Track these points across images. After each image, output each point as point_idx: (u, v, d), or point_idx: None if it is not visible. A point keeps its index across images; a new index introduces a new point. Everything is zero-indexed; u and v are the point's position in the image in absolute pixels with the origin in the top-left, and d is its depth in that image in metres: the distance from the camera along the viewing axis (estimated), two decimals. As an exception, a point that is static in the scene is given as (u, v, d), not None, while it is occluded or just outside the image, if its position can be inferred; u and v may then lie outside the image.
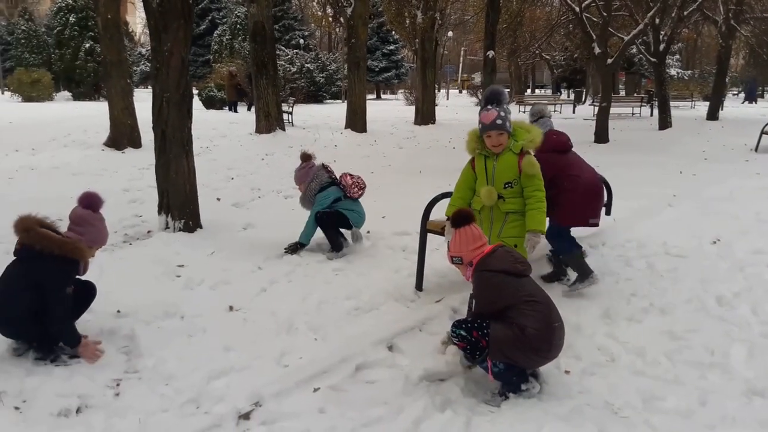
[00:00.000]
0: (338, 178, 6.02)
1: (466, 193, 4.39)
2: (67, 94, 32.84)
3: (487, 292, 3.34)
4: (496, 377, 3.34)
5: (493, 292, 3.31)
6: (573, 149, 5.16)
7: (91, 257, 3.70)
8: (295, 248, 5.74)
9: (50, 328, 3.51)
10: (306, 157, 6.04)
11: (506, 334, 3.22)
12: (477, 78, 46.40)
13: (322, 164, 6.07)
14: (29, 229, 3.48)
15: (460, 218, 3.48)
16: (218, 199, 7.99)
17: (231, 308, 4.48)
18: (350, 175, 6.04)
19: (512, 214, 4.17)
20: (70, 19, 31.73)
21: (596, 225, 5.12)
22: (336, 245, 5.79)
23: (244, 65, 26.45)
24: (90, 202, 3.68)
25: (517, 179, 4.12)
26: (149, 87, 6.19)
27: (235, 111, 23.39)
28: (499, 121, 3.98)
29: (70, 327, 3.59)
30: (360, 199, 6.04)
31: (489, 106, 4.03)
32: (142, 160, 10.32)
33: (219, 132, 15.47)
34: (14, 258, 3.58)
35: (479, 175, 4.26)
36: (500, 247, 3.45)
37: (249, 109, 23.32)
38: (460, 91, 56.39)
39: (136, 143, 12.03)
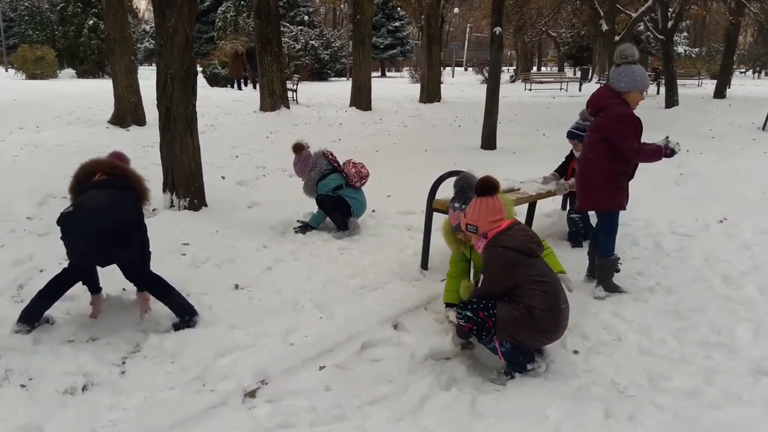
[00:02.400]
0: (341, 165, 5.95)
1: (461, 278, 3.99)
2: (71, 71, 32.68)
3: (497, 269, 3.30)
4: (505, 357, 3.34)
5: (503, 270, 3.27)
6: None
7: None
8: (304, 228, 5.73)
9: (138, 238, 3.83)
10: (299, 148, 5.98)
11: (513, 315, 3.21)
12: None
13: (322, 152, 5.99)
14: (120, 164, 3.92)
15: (485, 187, 3.38)
16: (223, 178, 7.97)
17: (236, 286, 4.49)
18: (353, 163, 5.94)
19: None
20: (73, -5, 31.48)
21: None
22: (341, 225, 5.77)
23: (246, 42, 26.26)
24: (123, 158, 4.21)
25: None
26: (153, 64, 6.16)
27: (239, 88, 23.27)
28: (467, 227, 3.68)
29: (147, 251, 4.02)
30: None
31: (456, 204, 3.76)
32: (147, 137, 10.30)
33: (223, 110, 15.41)
34: (100, 185, 3.73)
35: (465, 263, 4.01)
36: (516, 224, 3.40)
37: (255, 87, 23.19)
38: (466, 69, 55.96)
39: (141, 121, 11.99)
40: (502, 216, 3.38)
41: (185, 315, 3.82)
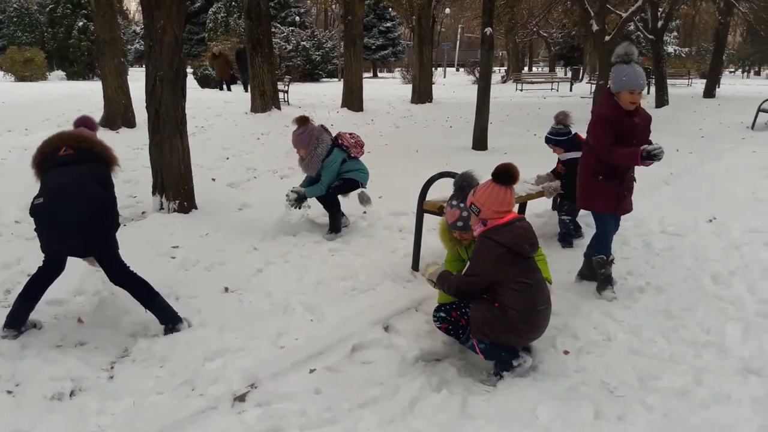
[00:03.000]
0: (336, 138, 5.85)
1: (457, 265, 3.99)
2: (60, 73, 32.52)
3: (483, 261, 3.28)
4: (485, 355, 3.34)
5: (489, 264, 3.25)
6: None
7: None
8: (300, 199, 5.69)
9: (112, 223, 3.74)
10: (304, 120, 5.79)
11: (485, 315, 3.23)
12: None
13: (321, 126, 5.87)
14: (82, 137, 3.76)
15: (502, 174, 3.30)
16: (213, 180, 7.94)
17: (226, 289, 4.47)
18: (349, 134, 5.91)
19: None
20: (63, -4, 31.34)
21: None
22: (335, 226, 5.74)
23: (231, 43, 26.19)
24: (90, 123, 4.07)
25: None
26: (144, 66, 6.14)
27: (229, 89, 23.19)
28: (459, 223, 3.66)
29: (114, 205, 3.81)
30: None
31: (454, 203, 3.72)
32: (137, 139, 10.24)
33: (214, 111, 15.34)
34: (66, 162, 3.62)
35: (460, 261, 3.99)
36: (518, 221, 3.37)
37: (245, 89, 23.12)
38: (458, 70, 56.03)
39: (131, 123, 11.92)
40: (509, 209, 3.35)
41: (169, 322, 3.75)
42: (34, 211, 3.52)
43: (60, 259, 3.72)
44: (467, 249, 3.82)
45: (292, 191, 5.70)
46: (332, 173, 5.68)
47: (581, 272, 4.76)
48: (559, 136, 5.57)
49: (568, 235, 5.61)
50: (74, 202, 3.46)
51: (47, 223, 3.52)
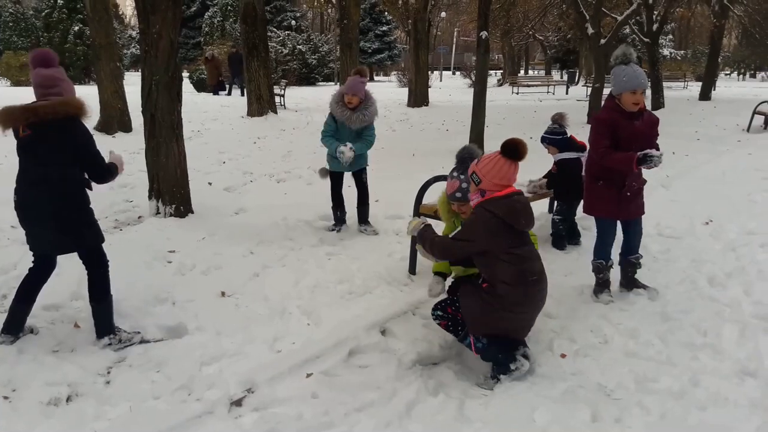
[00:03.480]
0: None
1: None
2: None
3: (475, 229, 3.27)
4: (481, 355, 3.35)
5: (481, 233, 3.23)
6: None
7: None
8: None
9: (100, 182, 3.61)
10: (364, 72, 5.85)
11: (475, 302, 3.25)
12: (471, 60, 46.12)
13: None
14: (32, 109, 3.31)
15: (509, 148, 3.27)
16: (210, 184, 7.94)
17: (223, 293, 4.46)
18: None
19: None
20: (59, 1, 31.30)
21: None
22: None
23: (226, 47, 26.19)
24: (47, 58, 3.43)
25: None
26: (140, 70, 6.14)
27: (216, 93, 23.12)
28: (458, 194, 3.68)
29: (110, 169, 3.63)
30: (352, 183, 6.01)
31: (455, 173, 3.75)
32: (133, 144, 10.21)
33: (210, 115, 15.35)
34: (26, 146, 3.41)
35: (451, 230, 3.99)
36: (516, 195, 3.33)
37: (242, 94, 23.09)
38: (454, 73, 56.11)
39: (127, 127, 11.91)
40: (509, 183, 3.33)
41: (104, 334, 3.63)
42: (14, 207, 3.50)
43: (45, 257, 3.66)
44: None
45: (349, 149, 5.59)
46: (372, 139, 5.82)
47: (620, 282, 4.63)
48: (555, 136, 5.59)
49: (558, 236, 5.61)
50: (38, 198, 3.39)
51: (22, 221, 3.50)
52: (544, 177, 5.76)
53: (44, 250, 3.61)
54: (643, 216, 4.49)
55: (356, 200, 6.06)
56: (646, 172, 4.32)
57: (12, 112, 3.33)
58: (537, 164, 5.78)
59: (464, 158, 3.75)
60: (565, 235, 5.63)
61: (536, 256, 3.38)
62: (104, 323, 3.65)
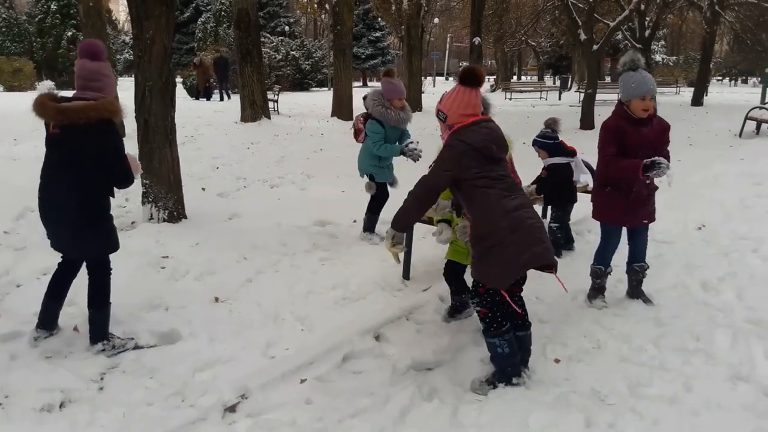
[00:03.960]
0: None
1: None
2: (49, 83, 32.22)
3: (446, 158, 3.22)
4: (496, 361, 3.32)
5: (451, 161, 3.19)
6: None
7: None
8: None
9: (122, 187, 3.55)
10: (393, 73, 5.89)
11: (476, 258, 3.19)
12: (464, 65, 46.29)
13: None
14: (63, 110, 3.24)
15: (467, 76, 3.25)
16: (203, 189, 7.92)
17: (216, 299, 4.45)
18: None
19: (441, 222, 4.14)
20: (52, 6, 31.32)
21: None
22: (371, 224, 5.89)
23: (213, 52, 26.16)
24: (96, 51, 3.38)
25: None
26: (133, 75, 6.14)
27: (197, 98, 23.04)
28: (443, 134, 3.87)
29: (131, 175, 3.54)
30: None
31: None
32: (127, 149, 10.18)
33: (204, 120, 15.33)
34: (53, 144, 3.38)
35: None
36: (484, 121, 3.29)
37: (221, 98, 23.01)
38: (447, 79, 56.27)
39: (121, 132, 11.87)
40: (475, 111, 3.29)
41: (98, 340, 3.61)
42: (38, 201, 3.50)
43: (67, 258, 3.67)
44: None
45: (416, 143, 5.63)
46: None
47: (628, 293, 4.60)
48: (546, 140, 5.60)
49: (554, 243, 5.62)
50: (56, 201, 3.40)
51: (43, 221, 3.50)
52: (533, 183, 5.76)
53: (60, 249, 3.61)
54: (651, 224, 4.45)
55: (365, 207, 6.05)
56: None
57: (46, 108, 3.28)
58: (533, 170, 5.82)
59: None
60: (562, 243, 5.65)
61: (517, 187, 3.31)
62: (100, 330, 3.63)
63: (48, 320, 3.67)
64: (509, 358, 3.31)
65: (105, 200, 3.53)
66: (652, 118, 4.11)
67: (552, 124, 5.65)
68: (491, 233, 3.11)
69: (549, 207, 5.90)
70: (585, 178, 5.99)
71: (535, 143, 5.68)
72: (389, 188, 5.99)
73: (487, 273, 3.18)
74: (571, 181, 5.58)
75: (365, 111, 5.78)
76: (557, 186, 5.55)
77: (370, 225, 6.00)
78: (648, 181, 4.20)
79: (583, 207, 6.09)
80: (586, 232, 6.17)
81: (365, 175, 5.95)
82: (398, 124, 5.69)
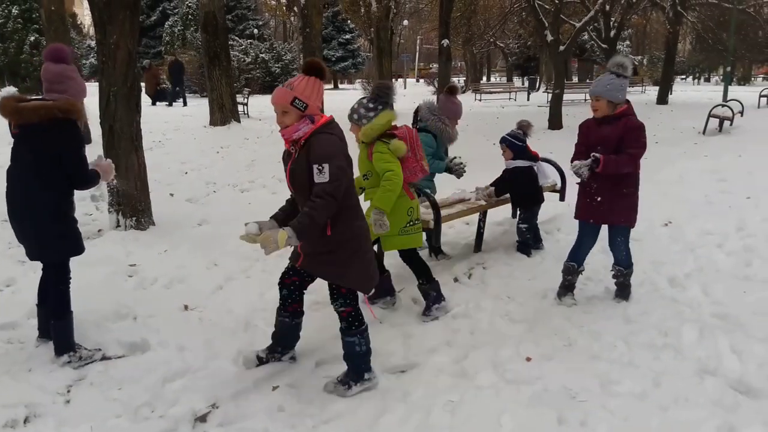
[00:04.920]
0: None
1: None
2: (12, 89, 31.56)
3: (334, 152, 3.03)
4: (354, 359, 3.33)
5: (341, 154, 3.08)
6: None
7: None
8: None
9: (80, 188, 3.51)
10: (457, 90, 5.51)
11: (346, 259, 3.20)
12: (435, 67, 46.52)
13: None
14: (20, 109, 3.26)
15: (315, 67, 3.10)
16: (171, 195, 7.81)
17: (186, 307, 4.39)
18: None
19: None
20: (13, 11, 30.60)
21: None
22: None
23: (188, 56, 25.84)
24: (61, 56, 3.43)
25: (372, 170, 4.08)
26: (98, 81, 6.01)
27: (154, 104, 22.60)
28: (354, 116, 3.99)
29: (91, 176, 3.50)
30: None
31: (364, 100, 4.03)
32: (93, 156, 9.97)
33: (171, 125, 15.15)
34: (13, 144, 3.40)
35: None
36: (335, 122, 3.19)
37: (171, 103, 22.59)
38: (417, 81, 56.44)
39: (86, 139, 11.66)
40: (323, 107, 3.27)
41: (63, 352, 3.53)
42: None
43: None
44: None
45: (464, 162, 5.46)
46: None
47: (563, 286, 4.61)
48: (515, 141, 5.62)
49: (524, 244, 5.66)
50: (18, 200, 3.38)
51: (10, 222, 3.49)
52: (491, 185, 5.76)
53: (27, 252, 3.55)
54: (632, 225, 4.43)
55: None
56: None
57: (4, 108, 3.30)
58: (496, 171, 5.86)
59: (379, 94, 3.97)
60: (531, 243, 5.69)
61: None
62: (63, 340, 3.55)
63: (45, 328, 3.66)
64: (365, 356, 3.35)
65: (64, 201, 3.46)
66: (619, 118, 4.18)
67: (524, 127, 5.67)
68: (354, 238, 3.18)
69: (517, 209, 5.95)
70: (553, 178, 6.05)
71: (503, 140, 5.69)
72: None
73: (352, 276, 3.22)
74: (536, 183, 5.62)
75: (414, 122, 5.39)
76: (521, 188, 5.59)
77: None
78: (600, 181, 4.23)
79: (551, 206, 6.17)
80: (555, 231, 6.23)
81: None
82: (452, 142, 5.40)
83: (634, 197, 4.32)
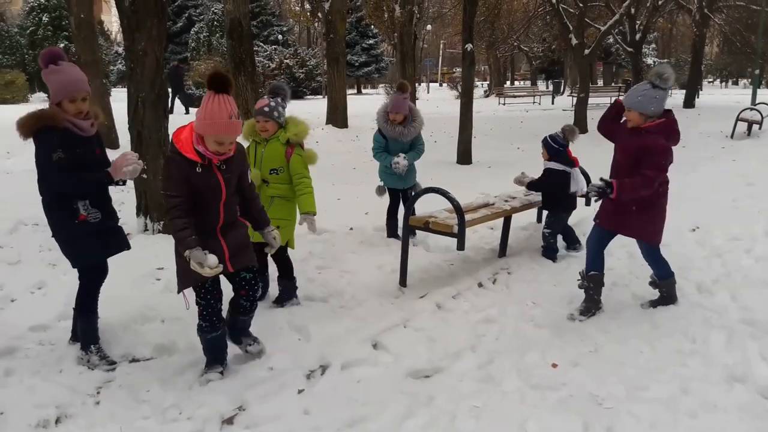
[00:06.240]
0: None
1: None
2: (42, 95, 32.21)
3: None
4: (209, 350, 3.51)
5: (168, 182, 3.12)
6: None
7: (77, 110, 3.38)
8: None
9: (51, 195, 3.48)
10: (406, 87, 6.04)
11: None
12: (458, 71, 46.50)
13: None
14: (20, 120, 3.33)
15: (221, 82, 3.01)
16: (198, 199, 7.89)
17: (212, 310, 4.42)
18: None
19: (277, 198, 4.42)
20: (43, 19, 31.29)
21: None
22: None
23: (213, 62, 26.00)
24: (50, 58, 3.33)
25: (284, 167, 4.36)
26: (126, 87, 6.15)
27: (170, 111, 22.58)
28: (266, 109, 4.26)
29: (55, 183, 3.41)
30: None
31: (266, 96, 4.36)
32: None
33: (198, 131, 15.31)
34: None
35: (249, 159, 4.31)
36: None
37: (186, 111, 22.53)
38: (440, 85, 56.43)
39: (114, 144, 11.85)
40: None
41: (82, 347, 3.64)
42: None
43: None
44: (263, 148, 4.35)
45: (403, 158, 5.84)
46: (420, 153, 6.06)
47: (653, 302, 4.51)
48: (554, 144, 5.56)
49: (549, 248, 5.63)
50: None
51: None
52: (535, 178, 5.73)
53: None
54: (648, 240, 4.37)
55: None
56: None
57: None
58: (516, 173, 5.84)
59: (271, 91, 4.40)
60: (556, 247, 5.65)
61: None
62: (83, 336, 3.67)
63: (77, 331, 3.78)
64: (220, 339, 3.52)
65: (64, 208, 3.46)
66: (649, 130, 4.01)
67: (566, 132, 5.60)
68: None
69: (544, 212, 5.89)
70: (583, 187, 5.92)
71: (545, 141, 5.64)
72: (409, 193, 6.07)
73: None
74: (566, 189, 5.56)
75: None
76: (552, 192, 5.55)
77: (389, 230, 6.20)
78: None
79: (577, 210, 6.09)
80: (581, 236, 6.17)
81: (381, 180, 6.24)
82: (395, 137, 5.92)
83: (662, 210, 4.23)
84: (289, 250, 4.59)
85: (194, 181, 3.11)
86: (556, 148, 5.56)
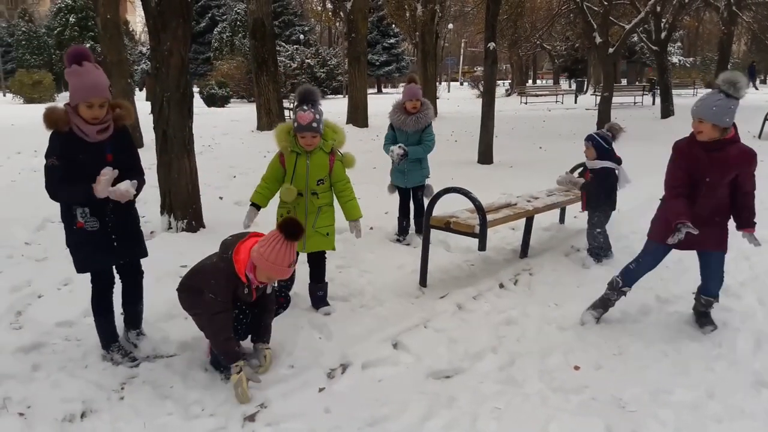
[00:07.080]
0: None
1: (273, 185, 4.52)
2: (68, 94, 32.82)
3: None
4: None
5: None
6: None
7: (93, 116, 3.28)
8: (404, 156, 5.96)
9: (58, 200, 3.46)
10: (415, 79, 6.28)
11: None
12: (479, 70, 46.30)
13: None
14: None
15: (294, 233, 3.20)
16: (221, 198, 7.98)
17: (235, 308, 4.46)
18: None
19: (324, 206, 4.42)
20: (70, 19, 31.83)
21: None
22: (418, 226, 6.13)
23: (236, 62, 26.22)
24: (75, 58, 3.24)
25: (327, 176, 4.36)
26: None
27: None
28: (314, 124, 4.12)
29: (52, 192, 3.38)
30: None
31: (305, 107, 4.13)
32: (145, 160, 10.15)
33: (220, 130, 15.47)
34: None
35: (288, 170, 4.35)
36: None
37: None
38: (461, 84, 56.25)
39: (139, 143, 12.00)
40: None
41: (103, 347, 3.70)
42: None
43: None
44: (310, 155, 4.24)
45: (399, 147, 5.94)
46: (433, 140, 6.10)
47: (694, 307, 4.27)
48: (602, 141, 5.45)
49: (598, 248, 5.49)
50: None
51: None
52: (582, 177, 5.63)
53: None
54: (723, 254, 4.06)
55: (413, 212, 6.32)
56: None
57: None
58: (550, 176, 5.80)
59: (304, 98, 4.20)
60: (609, 243, 5.55)
61: None
62: (101, 337, 3.70)
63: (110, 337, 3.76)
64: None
65: (66, 213, 3.45)
66: (728, 143, 3.76)
67: (614, 130, 5.47)
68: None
69: (588, 212, 5.64)
70: (628, 183, 5.77)
71: (591, 138, 5.45)
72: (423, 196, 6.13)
73: None
74: (616, 188, 5.48)
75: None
76: (604, 191, 5.44)
77: (398, 228, 6.26)
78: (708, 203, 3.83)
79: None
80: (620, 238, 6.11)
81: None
82: (399, 125, 6.08)
83: (726, 222, 4.00)
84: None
85: (239, 296, 3.44)
86: (607, 147, 5.44)
